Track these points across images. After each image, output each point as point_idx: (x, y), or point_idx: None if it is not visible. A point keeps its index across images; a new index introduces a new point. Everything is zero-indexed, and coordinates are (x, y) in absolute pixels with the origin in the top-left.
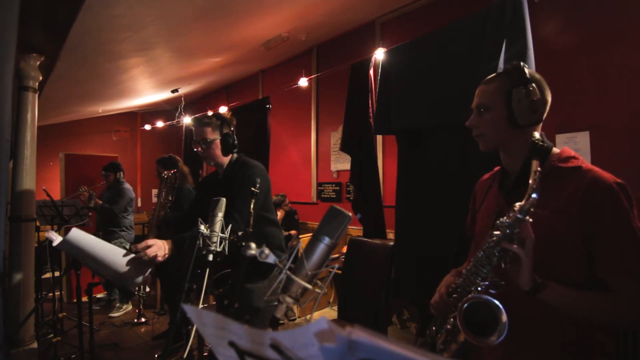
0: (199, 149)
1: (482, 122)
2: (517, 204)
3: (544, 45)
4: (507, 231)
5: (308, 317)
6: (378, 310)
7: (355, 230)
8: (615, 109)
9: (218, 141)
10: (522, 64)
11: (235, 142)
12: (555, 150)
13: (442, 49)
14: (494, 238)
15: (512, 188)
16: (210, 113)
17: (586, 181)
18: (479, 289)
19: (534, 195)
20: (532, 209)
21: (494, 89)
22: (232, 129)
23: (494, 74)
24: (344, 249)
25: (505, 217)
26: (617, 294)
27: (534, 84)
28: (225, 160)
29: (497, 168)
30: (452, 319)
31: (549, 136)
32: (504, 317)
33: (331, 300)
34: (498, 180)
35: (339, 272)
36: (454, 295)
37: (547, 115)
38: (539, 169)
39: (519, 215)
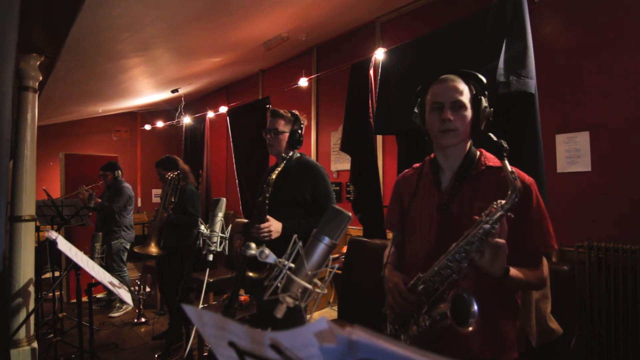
0: (269, 137)
1: (458, 118)
2: (499, 201)
3: (544, 45)
4: (490, 226)
5: (308, 317)
6: (378, 310)
7: (355, 230)
8: (615, 109)
9: (287, 135)
10: (478, 74)
11: (301, 139)
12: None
13: (442, 49)
14: (477, 234)
15: (455, 184)
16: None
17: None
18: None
19: (514, 195)
20: (509, 206)
21: (467, 91)
22: (301, 128)
23: (454, 74)
24: (344, 249)
25: (484, 214)
26: (537, 266)
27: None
28: (287, 154)
29: (416, 165)
30: (426, 314)
31: (549, 136)
32: (475, 307)
33: (331, 300)
34: (430, 177)
35: (339, 272)
36: (419, 290)
37: (547, 115)
38: (513, 169)
39: (501, 212)
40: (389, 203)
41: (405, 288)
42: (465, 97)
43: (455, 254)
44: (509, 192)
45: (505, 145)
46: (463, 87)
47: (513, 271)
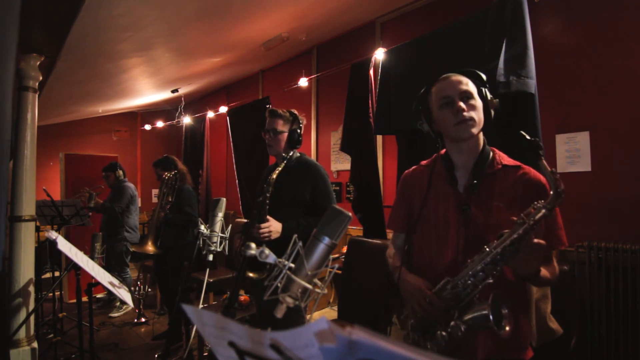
0: (267, 137)
1: (471, 108)
2: (541, 202)
3: (544, 45)
4: (530, 227)
5: (308, 317)
6: (378, 310)
7: (355, 230)
8: (615, 109)
9: (285, 134)
10: (477, 71)
11: (301, 139)
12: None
13: (442, 49)
14: (520, 235)
15: (472, 183)
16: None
17: (526, 178)
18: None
19: (556, 195)
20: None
21: (471, 84)
22: (300, 128)
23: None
24: (344, 249)
25: (523, 215)
26: (549, 262)
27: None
28: (287, 153)
29: (424, 162)
30: (458, 320)
31: (549, 136)
32: (505, 308)
33: (331, 300)
34: (444, 175)
35: (339, 272)
36: (445, 295)
37: (547, 115)
38: (553, 169)
39: (544, 212)
40: (394, 202)
41: (431, 293)
42: (472, 88)
43: (494, 256)
44: (552, 193)
45: (541, 144)
46: (467, 80)
47: (542, 270)
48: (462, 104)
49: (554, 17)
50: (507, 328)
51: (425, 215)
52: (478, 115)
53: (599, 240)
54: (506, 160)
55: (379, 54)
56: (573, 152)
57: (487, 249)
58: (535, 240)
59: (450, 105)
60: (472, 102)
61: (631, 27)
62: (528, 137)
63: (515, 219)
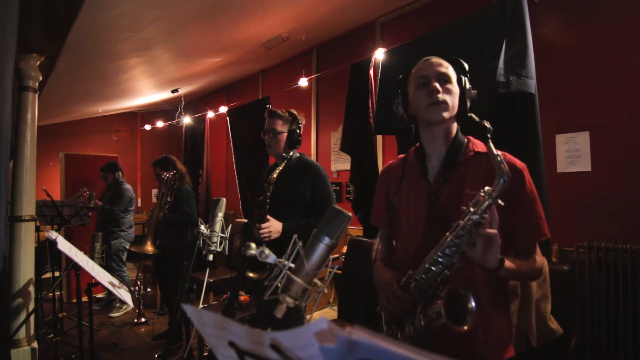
0: (267, 137)
1: (446, 92)
2: (487, 189)
3: (544, 45)
4: (479, 216)
5: (308, 317)
6: (378, 310)
7: (355, 230)
8: (615, 109)
9: (285, 135)
10: (460, 60)
11: (300, 139)
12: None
13: (442, 49)
14: (466, 226)
15: (443, 172)
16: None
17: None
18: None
19: (502, 180)
20: (498, 193)
21: (451, 69)
22: (300, 128)
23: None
24: (344, 249)
25: (471, 204)
26: (530, 255)
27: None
28: (287, 154)
29: (401, 155)
30: (421, 313)
31: (549, 136)
32: (472, 303)
33: (331, 300)
34: (416, 166)
35: (339, 272)
36: (411, 288)
37: (547, 115)
38: (498, 152)
39: (489, 200)
40: (375, 197)
41: (398, 287)
42: (450, 72)
43: (445, 248)
44: (497, 180)
45: (489, 126)
46: (447, 64)
47: (507, 262)
48: (437, 85)
49: (554, 17)
50: (466, 327)
51: (397, 207)
52: (452, 100)
53: (599, 240)
54: (480, 147)
55: (379, 54)
56: (573, 152)
57: (440, 242)
58: (486, 231)
59: (426, 86)
60: (449, 86)
61: (631, 27)
62: (477, 119)
63: (464, 208)
